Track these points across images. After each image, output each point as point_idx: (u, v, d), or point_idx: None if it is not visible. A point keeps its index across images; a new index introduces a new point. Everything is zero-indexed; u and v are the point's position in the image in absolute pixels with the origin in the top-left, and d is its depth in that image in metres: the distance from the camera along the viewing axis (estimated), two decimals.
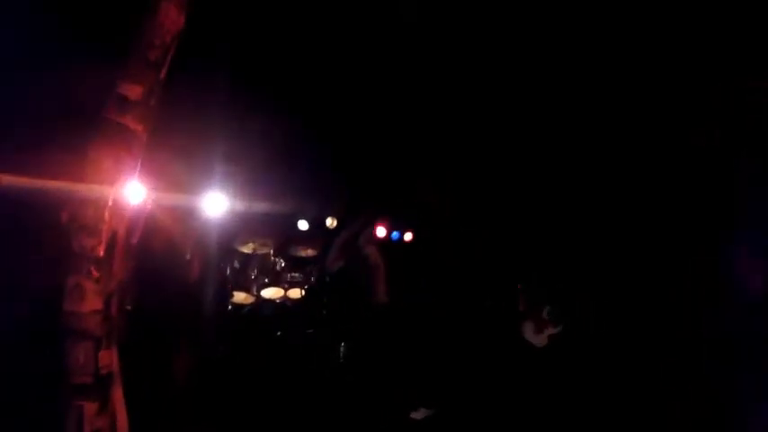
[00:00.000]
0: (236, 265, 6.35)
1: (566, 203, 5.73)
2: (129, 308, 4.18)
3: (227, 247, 6.34)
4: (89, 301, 3.32)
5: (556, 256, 5.83)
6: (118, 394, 3.53)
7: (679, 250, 4.46)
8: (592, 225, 5.55)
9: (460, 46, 5.47)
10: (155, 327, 4.79)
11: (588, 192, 5.54)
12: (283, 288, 6.40)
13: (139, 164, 3.55)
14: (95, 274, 3.32)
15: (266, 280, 6.38)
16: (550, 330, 5.64)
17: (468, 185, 6.47)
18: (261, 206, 6.50)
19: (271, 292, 6.36)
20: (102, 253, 3.32)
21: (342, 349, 6.43)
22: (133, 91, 3.37)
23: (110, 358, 3.47)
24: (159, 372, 4.75)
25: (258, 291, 6.31)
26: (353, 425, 5.11)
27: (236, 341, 6.05)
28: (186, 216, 5.95)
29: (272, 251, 6.46)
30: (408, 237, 6.91)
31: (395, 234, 6.93)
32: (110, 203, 3.37)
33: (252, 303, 6.27)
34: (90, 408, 3.36)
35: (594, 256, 5.52)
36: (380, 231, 6.98)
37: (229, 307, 6.22)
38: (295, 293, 6.41)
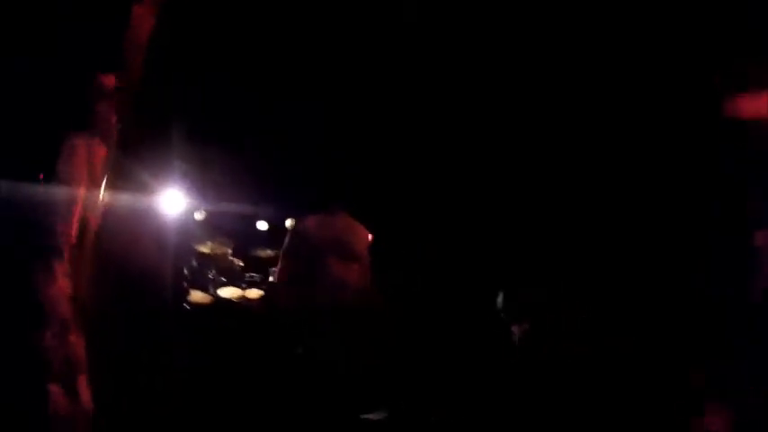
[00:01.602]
0: (194, 264, 6.36)
1: (546, 210, 5.93)
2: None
3: (185, 247, 6.36)
4: (60, 283, 3.36)
5: (537, 263, 6.05)
6: (83, 381, 3.55)
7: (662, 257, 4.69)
8: (571, 232, 5.78)
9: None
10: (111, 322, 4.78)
11: (569, 200, 5.76)
12: (241, 288, 6.44)
13: (112, 155, 3.63)
14: (67, 256, 3.36)
15: (224, 279, 6.41)
16: (523, 327, 5.89)
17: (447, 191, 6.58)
18: (220, 206, 6.57)
19: (228, 292, 6.39)
20: (74, 235, 3.37)
21: (299, 349, 6.51)
22: (109, 80, 3.45)
23: (78, 342, 3.50)
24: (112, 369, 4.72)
25: (215, 290, 6.33)
26: (306, 424, 5.17)
27: (192, 340, 6.05)
28: (145, 214, 5.97)
29: (230, 251, 6.51)
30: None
31: None
32: (82, 190, 3.43)
33: (209, 303, 6.28)
34: (57, 392, 3.37)
35: (574, 264, 5.76)
36: None
37: (186, 306, 6.22)
38: (253, 294, 6.45)
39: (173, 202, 6.31)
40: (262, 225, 6.80)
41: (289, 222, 6.92)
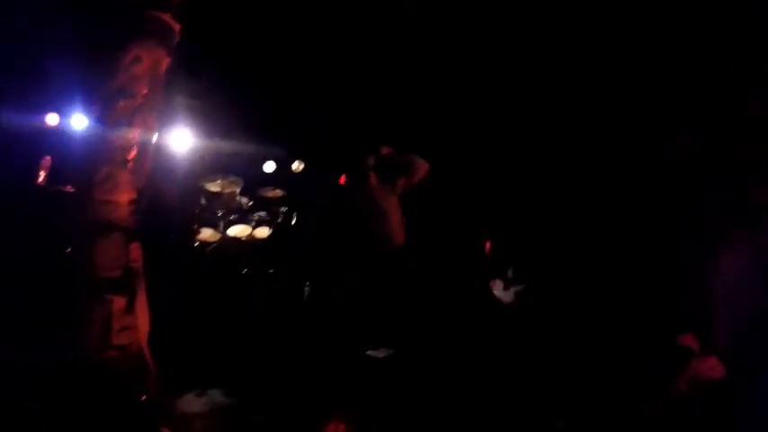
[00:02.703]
0: (203, 202, 6.31)
1: (538, 175, 6.12)
2: None
3: (194, 185, 6.31)
4: (123, 190, 3.34)
5: (523, 220, 6.25)
6: (142, 294, 3.54)
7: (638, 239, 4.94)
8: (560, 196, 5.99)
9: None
10: None
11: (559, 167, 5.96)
12: (250, 227, 6.43)
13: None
14: (130, 163, 3.34)
15: (233, 218, 6.39)
16: (516, 288, 6.12)
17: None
18: (230, 144, 6.51)
19: (237, 231, 6.37)
20: (137, 138, 3.34)
21: (306, 290, 6.58)
22: None
23: (138, 252, 3.49)
24: None
25: (224, 228, 6.31)
26: (314, 362, 5.26)
27: (200, 278, 6.05)
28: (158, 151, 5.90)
29: (239, 190, 6.47)
30: None
31: None
32: (145, 93, 3.39)
33: (217, 241, 6.26)
34: (119, 303, 3.37)
35: (558, 224, 5.98)
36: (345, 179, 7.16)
37: (195, 244, 6.19)
38: (261, 233, 6.45)
39: (181, 139, 6.25)
40: (269, 166, 6.76)
41: (295, 164, 6.93)
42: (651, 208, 4.77)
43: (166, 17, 3.39)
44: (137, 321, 3.49)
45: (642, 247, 4.80)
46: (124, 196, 3.34)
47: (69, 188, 5.04)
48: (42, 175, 5.40)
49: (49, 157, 5.45)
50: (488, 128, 6.26)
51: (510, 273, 6.17)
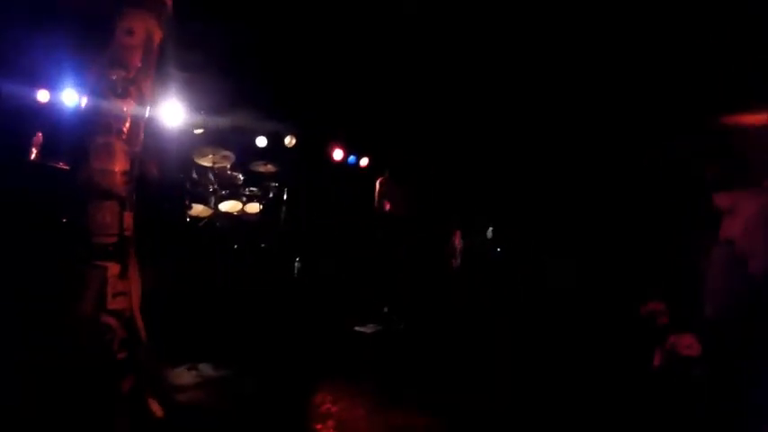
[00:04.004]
0: (195, 176, 6.36)
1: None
2: None
3: (186, 159, 6.35)
4: (118, 160, 3.41)
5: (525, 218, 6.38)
6: (134, 262, 3.62)
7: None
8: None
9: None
10: None
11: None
12: (241, 202, 6.49)
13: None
14: (125, 133, 3.41)
15: (224, 193, 6.44)
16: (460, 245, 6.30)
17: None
18: (222, 120, 6.56)
19: (228, 206, 6.43)
20: (132, 109, 3.40)
21: (296, 264, 6.67)
22: None
23: (130, 221, 3.56)
24: None
25: (216, 203, 6.37)
26: (304, 334, 5.36)
27: (192, 253, 6.11)
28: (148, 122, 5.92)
29: (230, 165, 6.52)
30: (364, 162, 7.20)
31: (351, 158, 7.20)
32: (139, 65, 3.45)
33: (209, 216, 6.33)
34: (113, 269, 3.45)
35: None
36: (337, 154, 7.24)
37: (187, 219, 6.26)
38: (253, 208, 6.52)
39: (173, 113, 6.28)
40: (261, 141, 6.82)
41: (288, 139, 6.99)
42: (651, 208, 4.88)
43: None
44: (130, 288, 3.57)
45: (642, 247, 4.91)
46: (118, 166, 3.40)
47: (62, 164, 5.15)
48: (35, 151, 5.45)
49: (40, 134, 5.50)
50: (490, 128, 6.38)
51: (489, 232, 6.35)
